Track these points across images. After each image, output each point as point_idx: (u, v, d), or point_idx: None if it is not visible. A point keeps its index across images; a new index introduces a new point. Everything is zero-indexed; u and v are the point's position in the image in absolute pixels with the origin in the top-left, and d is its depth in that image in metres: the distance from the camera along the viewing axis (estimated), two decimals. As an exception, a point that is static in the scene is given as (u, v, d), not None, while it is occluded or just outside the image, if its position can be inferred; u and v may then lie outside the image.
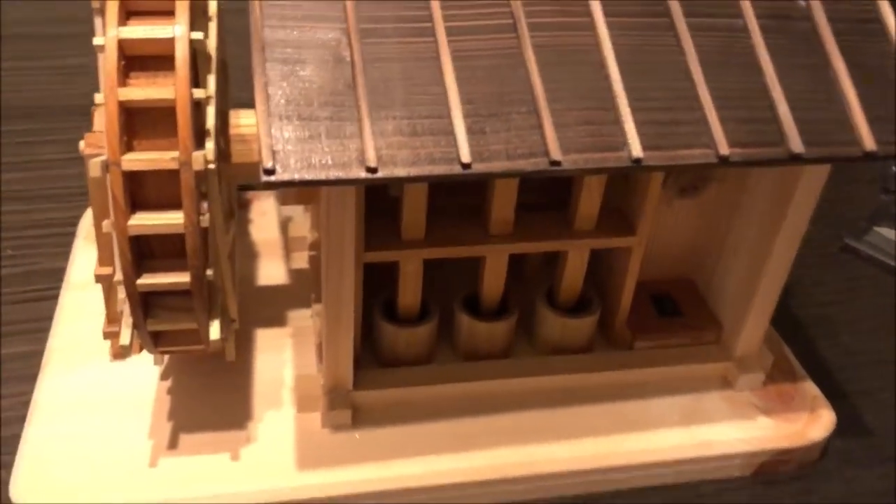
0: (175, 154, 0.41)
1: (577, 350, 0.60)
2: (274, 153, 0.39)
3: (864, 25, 0.49)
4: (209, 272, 0.44)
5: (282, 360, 0.59)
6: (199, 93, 0.41)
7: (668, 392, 0.59)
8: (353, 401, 0.55)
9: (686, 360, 0.60)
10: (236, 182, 0.54)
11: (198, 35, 0.42)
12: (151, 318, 0.45)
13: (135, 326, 0.45)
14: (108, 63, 0.40)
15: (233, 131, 0.52)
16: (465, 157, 0.41)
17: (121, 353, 0.52)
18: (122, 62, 0.41)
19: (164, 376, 0.57)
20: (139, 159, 0.41)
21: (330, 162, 0.39)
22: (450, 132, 0.41)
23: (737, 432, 0.57)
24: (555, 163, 0.42)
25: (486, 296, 0.58)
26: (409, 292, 0.56)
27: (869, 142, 0.45)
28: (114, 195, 0.41)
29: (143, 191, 0.42)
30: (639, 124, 0.43)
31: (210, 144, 0.43)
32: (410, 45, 0.43)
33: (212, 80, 0.45)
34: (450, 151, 0.41)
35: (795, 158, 0.44)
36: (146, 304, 0.45)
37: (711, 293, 0.63)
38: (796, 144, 0.44)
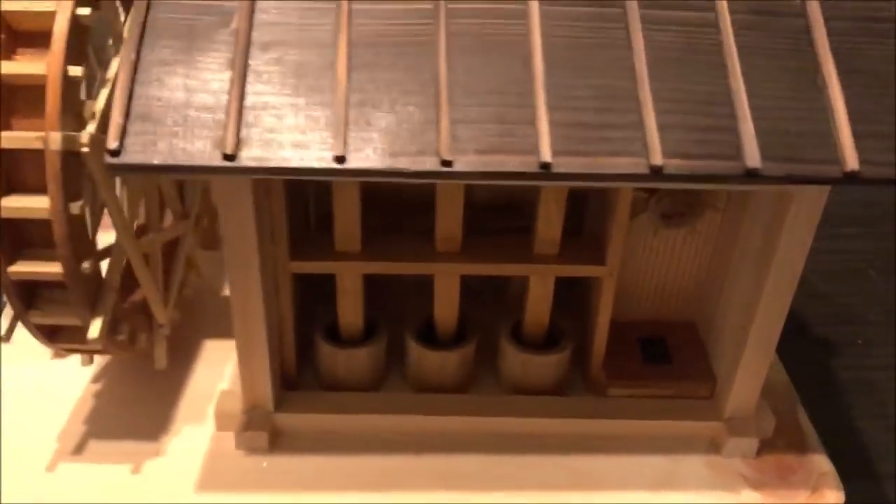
0: (41, 134, 0.38)
1: (542, 392, 0.53)
2: (123, 133, 0.35)
3: (871, 25, 0.41)
4: (85, 265, 0.41)
5: (223, 374, 0.55)
6: (74, 70, 0.39)
7: (641, 450, 0.51)
8: (274, 423, 0.50)
9: (666, 414, 0.52)
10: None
11: (84, 10, 0.39)
12: (34, 310, 0.43)
13: (16, 317, 0.43)
14: (-13, 36, 0.38)
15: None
16: (339, 150, 0.36)
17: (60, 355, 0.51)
18: (5, 36, 0.39)
19: (95, 379, 0.54)
20: (10, 137, 0.38)
21: (183, 149, 0.35)
22: (334, 123, 0.37)
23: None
24: (445, 163, 0.36)
25: (439, 321, 0.52)
26: (349, 310, 0.51)
27: (852, 160, 0.37)
28: (-20, 173, 0.38)
29: (19, 173, 0.39)
30: (556, 125, 0.37)
31: (91, 127, 0.40)
32: (311, 29, 0.39)
33: (114, 63, 0.42)
34: (324, 145, 0.36)
35: (751, 175, 0.37)
36: (31, 296, 0.42)
37: (711, 341, 0.55)
38: (753, 158, 0.37)
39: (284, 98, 0.37)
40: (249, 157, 0.36)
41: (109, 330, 0.45)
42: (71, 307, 0.42)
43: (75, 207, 0.39)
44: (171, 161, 0.35)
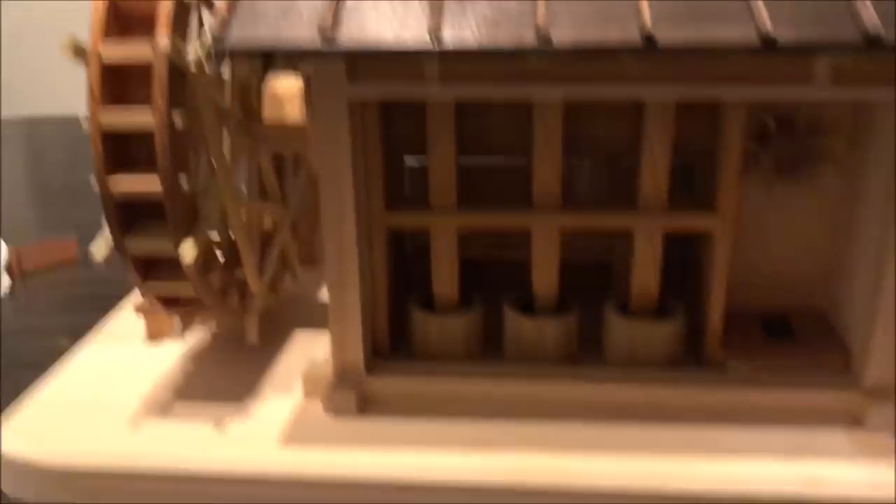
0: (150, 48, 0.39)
1: (651, 366, 0.49)
2: (228, 24, 0.36)
3: None
4: (184, 183, 0.41)
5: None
6: (187, -5, 0.40)
7: (769, 422, 0.46)
8: (364, 387, 0.47)
9: (796, 385, 0.47)
10: (270, 146, 0.52)
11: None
12: (131, 236, 0.43)
13: (115, 244, 0.43)
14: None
15: (267, 91, 0.50)
16: (435, 29, 0.35)
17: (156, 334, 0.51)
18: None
19: (185, 357, 0.53)
20: (116, 50, 0.40)
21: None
22: (430, 10, 0.36)
23: (863, 474, 0.42)
24: (544, 38, 0.35)
25: (537, 285, 0.49)
26: (444, 272, 0.49)
27: None
28: (91, 87, 0.40)
29: (123, 88, 0.41)
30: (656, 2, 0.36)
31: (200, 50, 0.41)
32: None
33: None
34: (421, 27, 0.36)
35: (872, 42, 0.34)
36: (130, 221, 0.43)
37: (840, 317, 0.50)
38: (873, 25, 0.34)
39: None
40: (347, 37, 0.36)
41: (202, 268, 0.44)
42: (166, 231, 0.42)
43: (178, 121, 0.40)
44: (272, 43, 0.36)
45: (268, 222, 0.55)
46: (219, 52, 0.36)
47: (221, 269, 0.47)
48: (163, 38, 0.39)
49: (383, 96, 0.42)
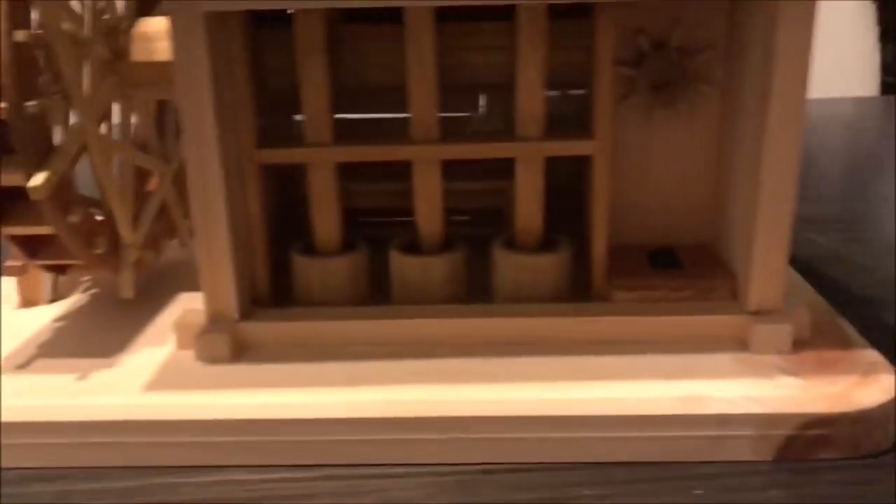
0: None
1: (536, 300, 0.47)
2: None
3: None
4: (30, 104, 0.39)
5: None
6: None
7: (656, 350, 0.44)
8: (238, 333, 0.45)
9: (682, 311, 0.46)
10: (144, 91, 0.50)
11: None
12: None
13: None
14: None
15: (137, 30, 0.48)
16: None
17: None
18: None
19: (64, 314, 0.51)
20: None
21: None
22: None
23: (746, 389, 0.41)
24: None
25: (421, 221, 0.48)
26: (323, 212, 0.48)
27: None
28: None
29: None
30: None
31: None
32: None
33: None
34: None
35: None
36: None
37: (726, 246, 0.49)
38: None
39: None
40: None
41: (60, 207, 0.42)
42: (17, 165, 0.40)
43: (20, 35, 0.38)
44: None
45: (154, 182, 0.53)
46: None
47: (86, 213, 0.45)
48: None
49: (241, 6, 0.41)
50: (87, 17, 0.45)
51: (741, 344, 0.45)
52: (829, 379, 0.42)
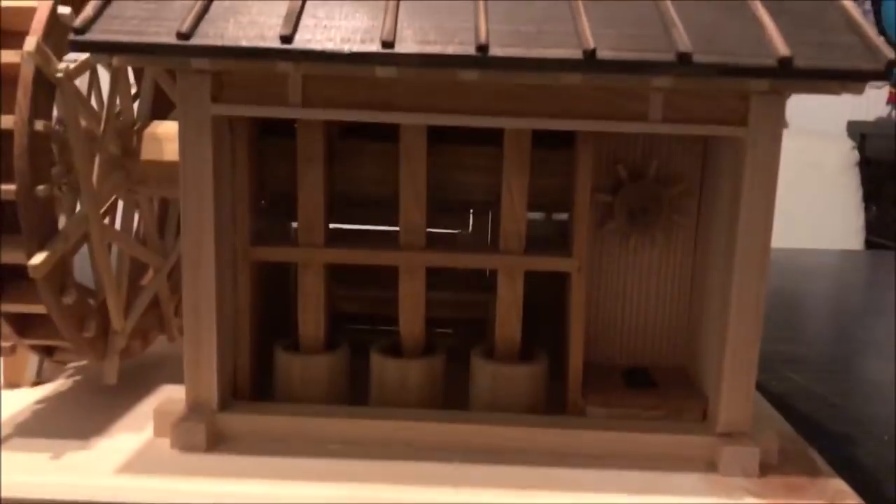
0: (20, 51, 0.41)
1: (512, 410, 0.48)
2: (91, 20, 0.38)
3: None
4: (40, 188, 0.42)
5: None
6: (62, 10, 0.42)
7: (626, 466, 0.45)
8: (216, 423, 0.46)
9: (653, 429, 0.46)
10: (148, 188, 0.53)
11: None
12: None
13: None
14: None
15: (148, 131, 0.52)
16: (288, 31, 0.38)
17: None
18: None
19: (47, 397, 0.52)
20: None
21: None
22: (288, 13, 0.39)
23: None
24: (387, 44, 0.38)
25: (404, 324, 0.49)
26: (309, 310, 0.49)
27: (783, 49, 0.38)
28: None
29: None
30: (495, 31, 0.39)
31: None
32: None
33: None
34: (276, 26, 0.39)
35: (683, 61, 0.38)
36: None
37: (698, 369, 0.50)
38: (685, 45, 0.38)
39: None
40: (204, 35, 0.38)
41: (56, 288, 0.44)
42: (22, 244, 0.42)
43: (40, 125, 0.41)
44: (131, 39, 0.38)
45: (149, 276, 0.55)
46: (76, 44, 0.37)
47: (80, 297, 0.46)
48: (32, 42, 0.40)
49: (247, 113, 0.44)
50: (103, 116, 0.48)
51: (710, 465, 0.45)
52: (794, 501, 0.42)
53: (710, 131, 0.44)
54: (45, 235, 0.43)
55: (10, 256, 0.43)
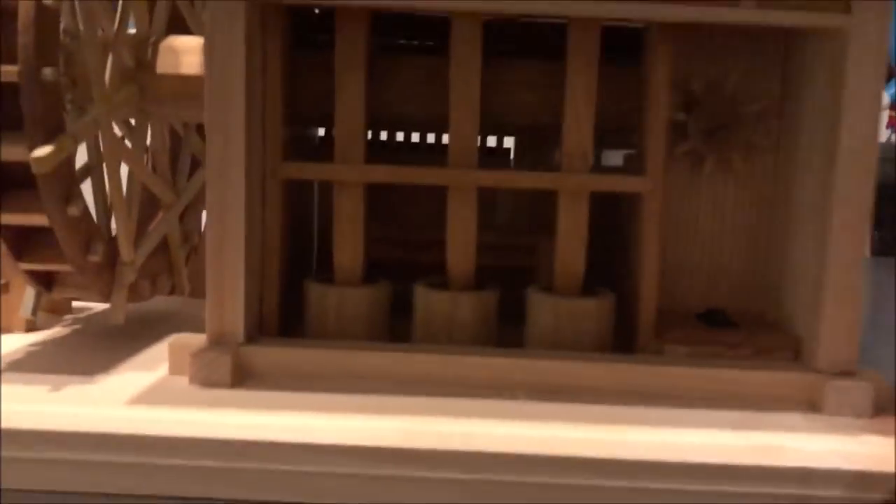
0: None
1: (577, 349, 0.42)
2: None
3: None
4: (47, 70, 0.36)
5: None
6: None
7: (718, 406, 0.39)
8: (241, 357, 0.40)
9: (741, 367, 0.41)
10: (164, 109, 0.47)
11: None
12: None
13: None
14: None
15: (164, 44, 0.46)
16: None
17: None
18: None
19: (48, 339, 0.45)
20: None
21: None
22: None
23: (830, 444, 0.35)
24: None
25: (452, 254, 0.43)
26: (346, 236, 0.43)
27: None
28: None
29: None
30: None
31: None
32: None
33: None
34: None
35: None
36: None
37: (782, 309, 0.45)
38: None
39: None
40: None
41: (60, 195, 0.38)
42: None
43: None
44: None
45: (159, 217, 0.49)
46: None
47: (86, 210, 0.40)
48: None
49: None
50: (116, 19, 0.43)
51: (811, 405, 0.39)
52: (921, 439, 0.36)
53: (810, 20, 0.39)
54: (50, 128, 0.37)
55: (9, 153, 0.37)
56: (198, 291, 0.54)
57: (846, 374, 0.40)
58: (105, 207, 0.45)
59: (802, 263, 0.42)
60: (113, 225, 0.44)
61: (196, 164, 0.52)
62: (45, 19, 0.36)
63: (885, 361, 0.60)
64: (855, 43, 0.38)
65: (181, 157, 0.52)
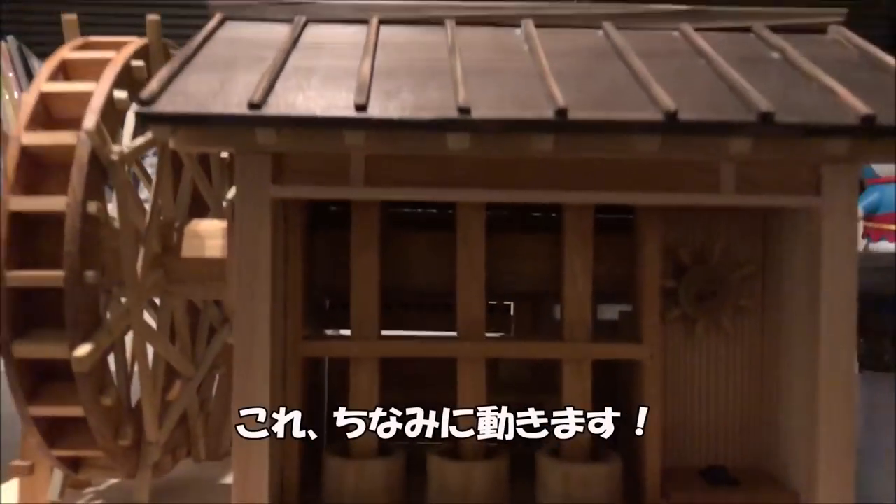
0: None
1: (589, 513, 0.44)
2: (158, 92, 0.37)
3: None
4: (89, 273, 0.39)
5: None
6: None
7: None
8: (267, 533, 0.41)
9: (747, 526, 0.42)
10: (185, 288, 0.50)
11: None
12: (19, 339, 0.39)
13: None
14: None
15: (189, 228, 0.50)
16: (361, 100, 0.37)
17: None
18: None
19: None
20: (38, 137, 0.40)
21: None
22: (358, 86, 0.38)
23: None
24: (463, 110, 0.37)
25: (463, 423, 0.45)
26: (363, 411, 0.45)
27: (863, 108, 0.38)
28: (6, 173, 0.39)
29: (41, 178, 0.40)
30: (569, 96, 0.38)
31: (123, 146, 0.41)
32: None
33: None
34: (348, 99, 0.38)
35: (766, 120, 0.37)
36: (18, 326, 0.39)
37: (780, 465, 0.47)
38: (765, 105, 0.37)
39: (313, 79, 0.39)
40: (274, 106, 0.37)
41: (95, 387, 0.40)
42: (62, 337, 0.38)
43: (92, 207, 0.39)
44: (199, 110, 0.36)
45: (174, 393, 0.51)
46: (144, 116, 0.36)
47: (118, 399, 0.43)
48: (91, 120, 0.39)
49: (308, 195, 0.42)
50: (148, 209, 0.46)
51: (813, 565, 0.41)
52: None
53: (785, 201, 0.43)
54: (88, 326, 0.40)
55: (52, 351, 0.39)
56: (211, 453, 0.56)
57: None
58: (126, 380, 0.47)
59: (795, 419, 0.45)
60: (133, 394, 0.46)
61: (212, 333, 0.55)
62: (89, 226, 0.40)
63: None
64: (828, 219, 0.42)
65: (199, 328, 0.55)
